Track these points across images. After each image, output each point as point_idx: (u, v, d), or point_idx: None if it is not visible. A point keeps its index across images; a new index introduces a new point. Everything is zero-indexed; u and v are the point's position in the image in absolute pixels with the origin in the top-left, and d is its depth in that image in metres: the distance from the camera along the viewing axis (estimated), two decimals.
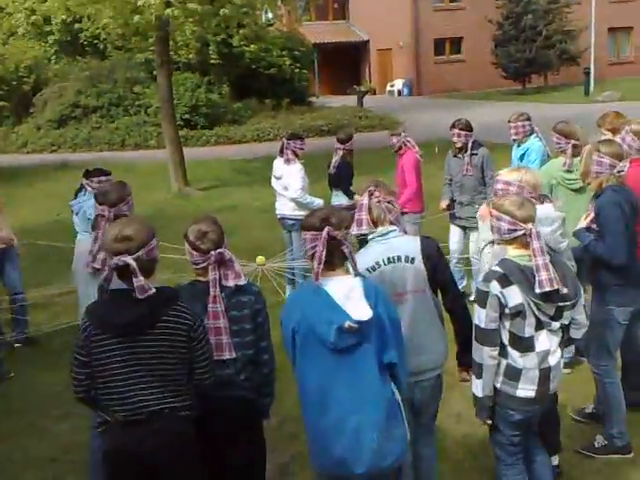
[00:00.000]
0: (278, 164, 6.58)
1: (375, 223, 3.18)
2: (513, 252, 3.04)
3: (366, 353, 2.68)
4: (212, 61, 21.11)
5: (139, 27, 11.40)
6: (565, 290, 2.95)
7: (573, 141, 4.89)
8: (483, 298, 3.00)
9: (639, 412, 4.24)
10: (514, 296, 2.94)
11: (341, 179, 6.77)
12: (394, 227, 3.20)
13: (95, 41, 20.16)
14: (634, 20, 32.65)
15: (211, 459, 2.98)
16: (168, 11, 10.36)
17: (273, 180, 6.70)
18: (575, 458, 3.94)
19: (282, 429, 4.26)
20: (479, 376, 3.07)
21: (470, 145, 6.12)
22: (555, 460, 3.68)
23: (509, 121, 5.91)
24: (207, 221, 3.01)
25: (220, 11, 11.25)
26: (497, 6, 29.09)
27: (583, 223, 3.91)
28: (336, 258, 2.71)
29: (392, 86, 31.94)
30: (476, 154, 6.13)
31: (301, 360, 2.73)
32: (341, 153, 6.72)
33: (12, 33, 23.90)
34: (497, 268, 3.01)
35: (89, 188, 4.33)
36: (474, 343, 3.07)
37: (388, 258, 3.12)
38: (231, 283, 2.93)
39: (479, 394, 3.10)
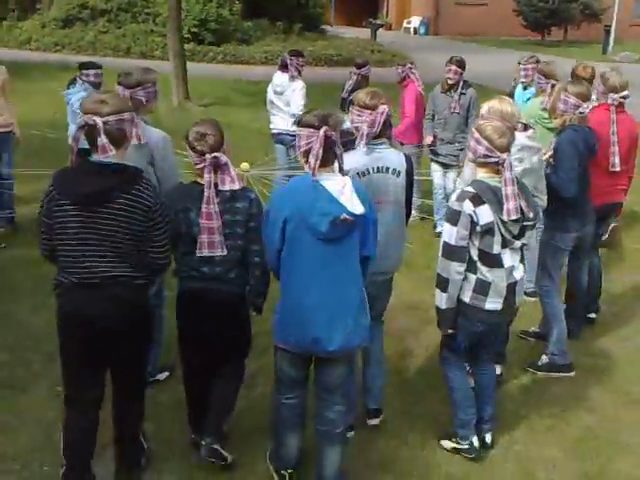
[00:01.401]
0: (279, 79, 6.59)
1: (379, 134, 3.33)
2: (483, 174, 3.20)
3: (350, 245, 2.92)
4: None
5: None
6: (530, 213, 3.15)
7: (552, 81, 5.04)
8: (455, 216, 3.15)
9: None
10: (485, 215, 3.10)
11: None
12: (385, 140, 3.38)
13: None
14: None
15: (195, 348, 3.21)
16: None
17: (271, 95, 6.68)
18: (520, 373, 4.28)
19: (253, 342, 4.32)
20: (444, 290, 3.24)
21: (460, 83, 6.25)
22: (498, 369, 3.95)
23: (519, 63, 5.96)
24: (208, 124, 3.07)
25: None
26: None
27: (544, 157, 4.08)
28: (329, 157, 2.86)
29: (409, 23, 31.15)
30: (464, 93, 6.28)
31: (289, 249, 2.90)
32: (355, 78, 6.70)
33: None
34: (470, 188, 3.17)
35: (82, 80, 4.29)
36: (441, 259, 3.23)
37: (378, 167, 3.32)
38: (227, 187, 3.03)
39: (442, 306, 3.28)
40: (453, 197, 3.25)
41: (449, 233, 3.18)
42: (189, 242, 3.07)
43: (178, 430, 3.54)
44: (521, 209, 3.12)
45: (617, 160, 4.37)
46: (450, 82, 6.28)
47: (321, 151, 2.81)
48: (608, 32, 25.83)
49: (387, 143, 3.41)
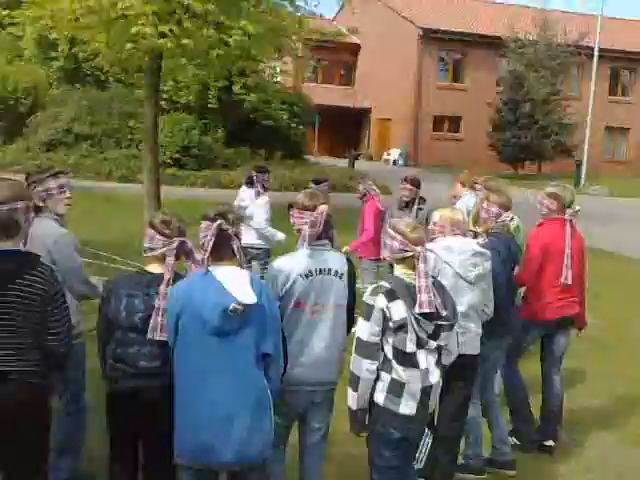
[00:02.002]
0: (245, 194, 6.90)
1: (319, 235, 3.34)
2: (400, 270, 3.21)
3: (246, 340, 2.80)
4: (210, 105, 21.22)
5: (132, 56, 11.37)
6: (444, 312, 3.08)
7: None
8: (368, 311, 3.09)
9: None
10: (398, 310, 3.05)
11: None
12: (327, 241, 3.41)
13: (97, 72, 20.29)
14: (631, 121, 33.40)
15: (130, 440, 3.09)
16: (161, 41, 10.31)
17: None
18: None
19: None
20: (355, 389, 3.10)
21: (417, 200, 6.47)
22: None
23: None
24: (171, 213, 3.17)
25: (213, 52, 11.24)
26: (497, 91, 29.74)
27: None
28: (225, 250, 2.87)
29: (388, 154, 32.29)
30: (421, 209, 6.46)
31: (182, 344, 2.83)
32: None
33: (19, 55, 24.22)
34: (384, 283, 3.15)
35: None
36: (353, 356, 3.12)
37: (321, 269, 3.29)
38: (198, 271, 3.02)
39: (353, 407, 3.14)
40: (367, 292, 3.17)
41: (362, 328, 3.11)
42: (126, 331, 3.00)
43: None
44: (436, 307, 3.05)
45: (570, 273, 4.46)
46: (405, 199, 6.51)
47: (212, 242, 2.82)
48: (579, 167, 26.80)
49: (329, 244, 3.42)
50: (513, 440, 4.59)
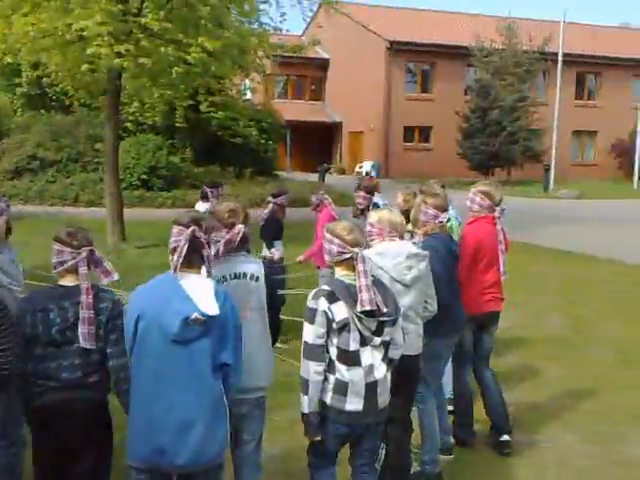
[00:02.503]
0: (201, 209, 6.84)
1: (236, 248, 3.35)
2: (340, 272, 3.28)
3: (204, 348, 2.82)
4: (177, 124, 21.13)
5: (89, 77, 11.28)
6: (385, 309, 3.17)
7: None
8: (312, 315, 3.15)
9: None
10: (340, 311, 3.13)
11: (269, 232, 6.97)
12: (244, 252, 3.43)
13: (62, 97, 20.14)
14: (598, 125, 33.91)
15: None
16: (118, 61, 10.25)
17: None
18: None
19: None
20: (305, 392, 3.18)
21: (372, 207, 6.35)
22: None
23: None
24: (75, 227, 3.13)
25: (173, 70, 11.19)
26: (465, 100, 30.04)
27: None
28: (195, 258, 2.90)
29: (360, 167, 32.36)
30: None
31: (140, 348, 2.84)
32: (271, 207, 6.94)
33: None
34: (325, 286, 3.23)
35: None
36: (302, 360, 3.19)
37: (235, 274, 3.32)
38: (105, 281, 3.06)
39: (305, 410, 3.20)
40: (310, 296, 3.24)
41: (307, 332, 3.17)
42: (46, 346, 2.94)
43: None
44: (377, 305, 3.13)
45: (504, 267, 4.61)
46: (360, 207, 6.46)
47: (185, 249, 2.85)
48: (548, 171, 27.12)
49: (246, 254, 3.43)
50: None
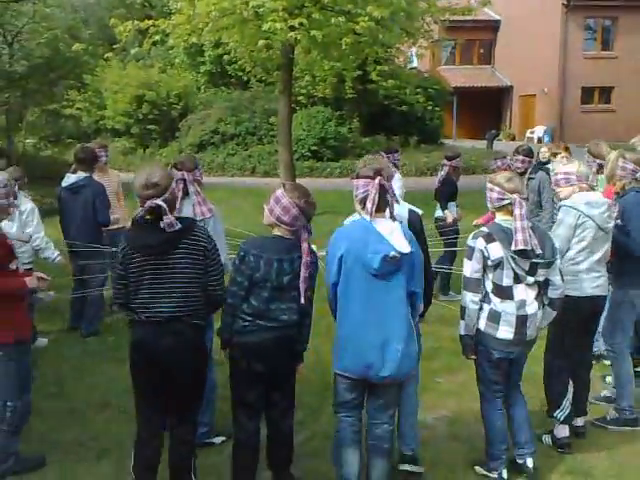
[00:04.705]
0: None
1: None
2: (500, 217, 3.65)
3: (399, 280, 3.28)
4: (347, 96, 21.57)
5: (265, 53, 11.89)
6: (539, 250, 3.50)
7: (598, 160, 5.38)
8: (470, 252, 3.60)
9: None
10: (495, 250, 3.54)
11: (443, 193, 7.26)
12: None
13: (240, 74, 21.40)
14: None
15: (257, 393, 3.45)
16: (291, 35, 10.71)
17: None
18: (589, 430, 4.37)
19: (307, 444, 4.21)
20: (463, 317, 3.68)
21: (529, 170, 6.48)
22: (580, 421, 4.27)
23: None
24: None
25: (342, 41, 11.46)
26: None
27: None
28: (382, 203, 3.29)
29: (532, 133, 30.87)
30: (533, 178, 6.45)
31: (346, 282, 3.30)
32: (446, 169, 7.22)
33: (171, 64, 26.07)
34: (484, 229, 3.65)
35: None
36: (462, 290, 3.68)
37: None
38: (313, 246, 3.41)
39: (462, 332, 3.72)
40: (470, 236, 3.67)
41: (466, 267, 3.62)
42: (274, 290, 3.32)
43: None
44: (532, 247, 3.47)
45: None
46: (519, 171, 6.40)
47: (377, 197, 3.24)
48: None
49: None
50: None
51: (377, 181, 3.25)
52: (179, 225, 3.22)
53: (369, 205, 3.24)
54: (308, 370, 3.90)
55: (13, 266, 3.77)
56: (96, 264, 6.10)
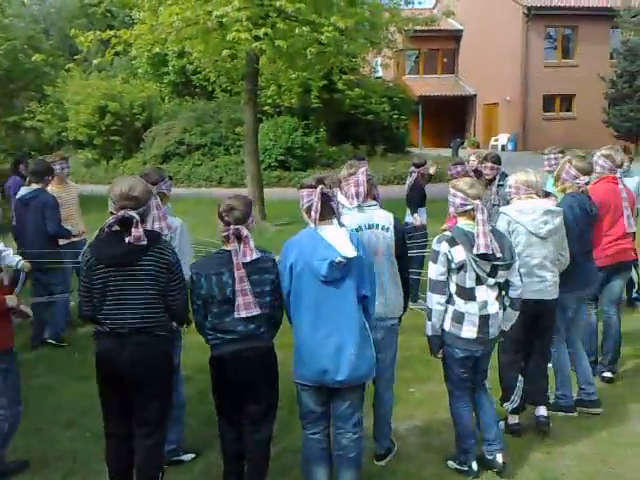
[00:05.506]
0: None
1: (365, 196, 3.83)
2: (462, 222, 3.83)
3: (348, 286, 3.36)
4: (312, 105, 21.59)
5: (229, 63, 11.81)
6: (499, 253, 3.70)
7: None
8: (435, 256, 3.79)
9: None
10: (459, 253, 3.73)
11: (413, 199, 7.50)
12: (375, 202, 3.92)
13: (205, 84, 21.26)
14: None
15: (231, 403, 3.47)
16: (256, 45, 10.66)
17: None
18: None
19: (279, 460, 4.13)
20: (429, 319, 3.85)
21: (498, 177, 6.58)
22: (543, 410, 4.47)
23: (543, 153, 6.21)
24: (238, 199, 3.45)
25: (307, 51, 11.45)
26: (611, 64, 28.08)
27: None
28: (326, 211, 3.38)
29: (496, 140, 31.34)
30: (502, 185, 6.50)
31: (298, 290, 3.38)
32: (415, 176, 7.46)
33: (134, 74, 25.79)
34: (447, 233, 3.82)
35: None
36: (427, 292, 3.83)
37: (369, 224, 3.83)
38: (247, 259, 3.34)
39: (429, 333, 3.90)
40: (434, 240, 3.85)
41: (431, 270, 3.78)
42: (222, 303, 3.35)
43: None
44: (492, 250, 3.66)
45: (632, 221, 5.17)
46: (488, 177, 6.62)
47: (319, 205, 3.32)
48: None
49: (376, 205, 3.90)
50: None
51: (319, 190, 3.34)
52: (145, 241, 3.25)
53: (313, 213, 3.34)
54: None
55: None
56: (57, 273, 6.14)
